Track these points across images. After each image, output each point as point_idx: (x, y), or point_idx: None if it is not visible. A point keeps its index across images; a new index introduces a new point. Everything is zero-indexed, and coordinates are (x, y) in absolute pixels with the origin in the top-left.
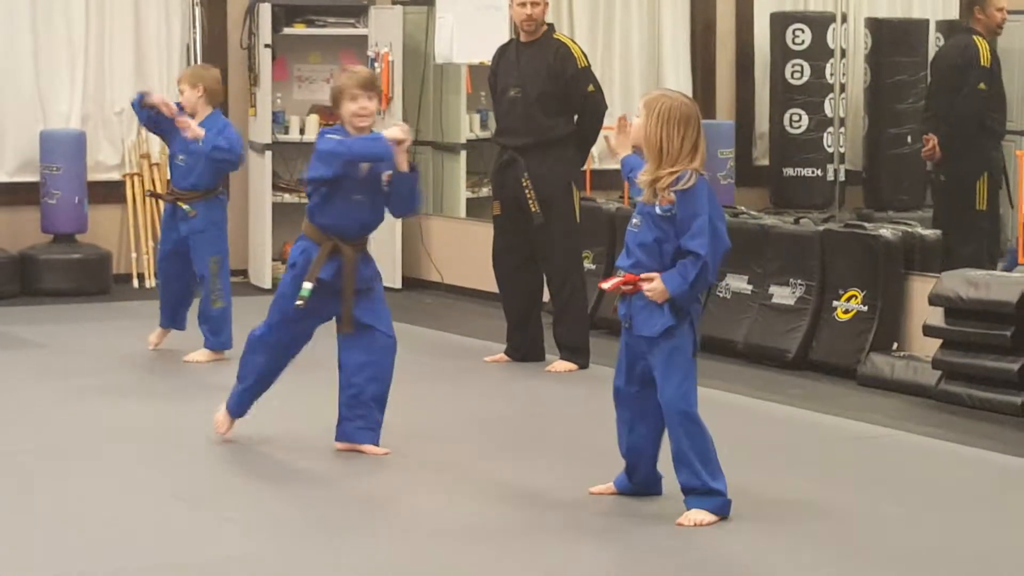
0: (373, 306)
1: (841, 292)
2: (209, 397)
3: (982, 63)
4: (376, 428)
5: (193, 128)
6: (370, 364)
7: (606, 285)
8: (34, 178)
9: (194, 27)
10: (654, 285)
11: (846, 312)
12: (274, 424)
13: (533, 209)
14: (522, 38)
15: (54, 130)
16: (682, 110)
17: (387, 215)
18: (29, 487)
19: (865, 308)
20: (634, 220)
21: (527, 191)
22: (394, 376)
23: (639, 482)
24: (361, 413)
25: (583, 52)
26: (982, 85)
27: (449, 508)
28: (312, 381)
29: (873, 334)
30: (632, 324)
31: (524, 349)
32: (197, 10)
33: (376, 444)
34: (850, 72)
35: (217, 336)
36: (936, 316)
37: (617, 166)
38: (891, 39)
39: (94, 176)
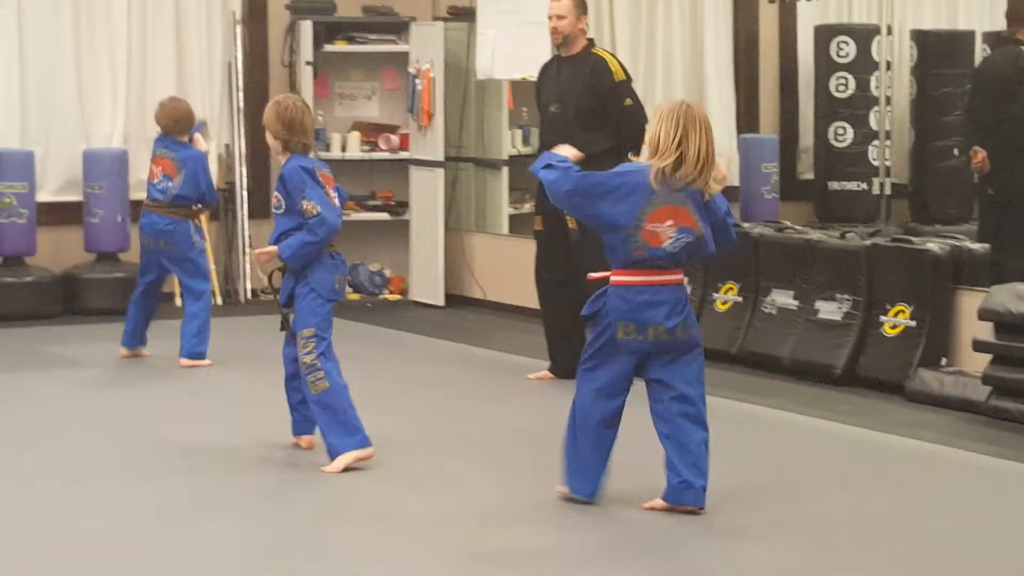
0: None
1: (888, 307)
2: (241, 418)
3: None
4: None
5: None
6: None
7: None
8: (77, 197)
9: (235, 45)
10: None
11: (894, 327)
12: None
13: (571, 226)
14: (561, 53)
15: (97, 149)
16: (667, 106)
17: None
18: (47, 505)
19: (913, 323)
20: None
21: None
22: (439, 392)
23: (666, 494)
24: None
25: (621, 66)
26: None
27: (496, 527)
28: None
29: (921, 349)
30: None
31: (568, 365)
32: (238, 28)
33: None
34: (895, 84)
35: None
36: (986, 331)
37: None
38: (937, 51)
39: (136, 195)
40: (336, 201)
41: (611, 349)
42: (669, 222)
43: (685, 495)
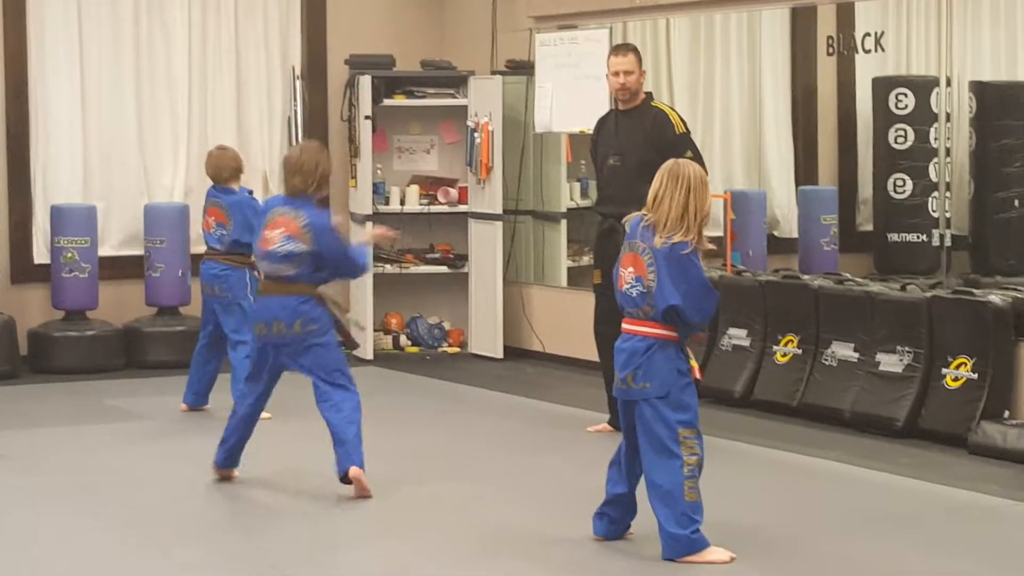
0: None
1: (950, 359)
2: (289, 470)
3: None
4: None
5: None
6: None
7: None
8: (138, 252)
9: (295, 100)
10: None
11: (956, 379)
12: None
13: (595, 280)
14: (620, 107)
15: (158, 204)
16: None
17: None
18: (96, 552)
19: (975, 375)
20: None
21: None
22: (497, 446)
23: None
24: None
25: (681, 119)
26: None
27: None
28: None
29: (984, 402)
30: None
31: None
32: (298, 83)
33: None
34: (955, 136)
35: None
36: None
37: (719, 232)
38: (996, 102)
39: (197, 249)
40: (264, 243)
41: None
42: (630, 268)
43: (663, 544)
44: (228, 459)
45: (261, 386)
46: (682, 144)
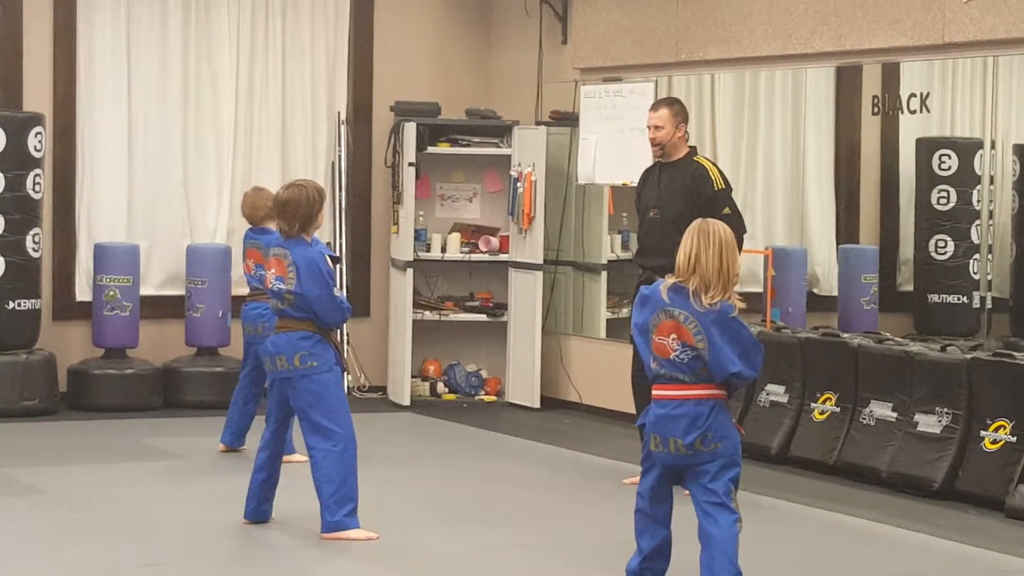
0: None
1: (989, 422)
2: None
3: None
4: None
5: None
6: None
7: None
8: (179, 292)
9: (339, 145)
10: None
11: (994, 442)
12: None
13: None
14: (662, 160)
15: (200, 245)
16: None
17: None
18: None
19: (1014, 438)
20: None
21: None
22: (534, 497)
23: None
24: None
25: (722, 175)
26: None
27: None
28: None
29: (1022, 465)
30: None
31: None
32: (343, 128)
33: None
34: (998, 199)
35: None
36: None
37: (758, 288)
38: None
39: (237, 290)
40: (265, 281)
41: (650, 460)
42: (672, 336)
43: None
44: (257, 512)
45: (272, 425)
46: (720, 200)
